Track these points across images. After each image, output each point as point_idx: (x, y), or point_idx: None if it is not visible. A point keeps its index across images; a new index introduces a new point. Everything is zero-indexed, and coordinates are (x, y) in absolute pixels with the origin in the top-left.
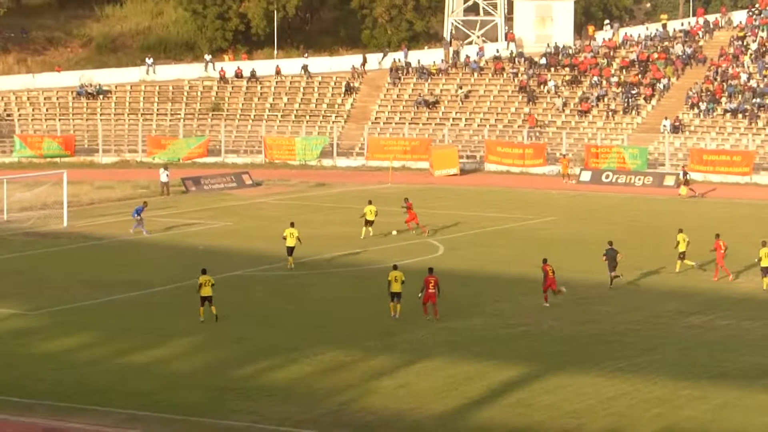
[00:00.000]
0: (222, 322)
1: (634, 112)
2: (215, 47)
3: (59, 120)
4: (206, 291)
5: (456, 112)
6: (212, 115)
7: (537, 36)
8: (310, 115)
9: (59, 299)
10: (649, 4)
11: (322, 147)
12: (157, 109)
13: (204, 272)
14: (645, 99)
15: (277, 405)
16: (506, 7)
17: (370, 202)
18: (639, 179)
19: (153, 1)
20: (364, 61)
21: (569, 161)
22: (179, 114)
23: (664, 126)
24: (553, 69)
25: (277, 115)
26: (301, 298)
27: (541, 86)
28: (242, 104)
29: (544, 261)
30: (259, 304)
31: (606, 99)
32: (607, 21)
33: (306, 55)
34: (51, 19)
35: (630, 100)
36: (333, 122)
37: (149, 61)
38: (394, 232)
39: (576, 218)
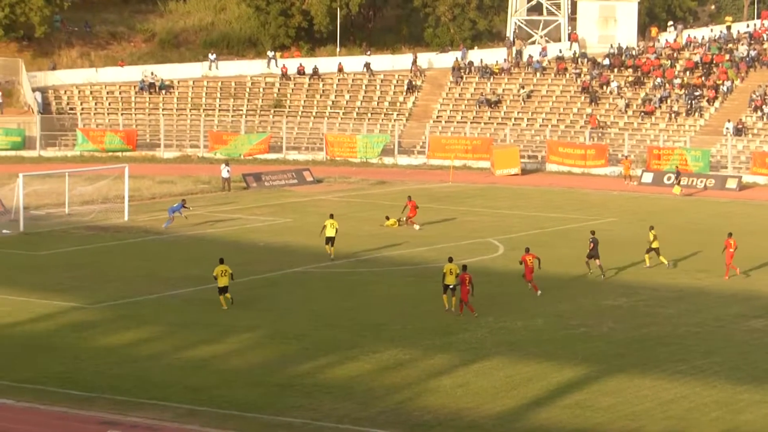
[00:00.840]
0: (281, 318)
1: (696, 114)
2: (278, 44)
3: (121, 114)
4: (223, 281)
5: (518, 112)
6: (274, 111)
7: (600, 36)
8: (371, 113)
9: (120, 293)
10: (713, 6)
11: (383, 145)
12: (219, 105)
13: (221, 261)
14: (708, 101)
15: (336, 402)
16: (570, 7)
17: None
18: (701, 181)
19: None
20: (415, 59)
21: (631, 162)
22: (241, 110)
23: (727, 128)
24: (616, 70)
25: (338, 113)
26: (360, 295)
27: (604, 87)
28: (304, 101)
29: (527, 250)
30: (319, 301)
31: (669, 101)
32: (670, 22)
33: (368, 52)
34: (114, 13)
35: (693, 102)
36: (395, 120)
37: (212, 57)
38: (417, 227)
39: (636, 220)
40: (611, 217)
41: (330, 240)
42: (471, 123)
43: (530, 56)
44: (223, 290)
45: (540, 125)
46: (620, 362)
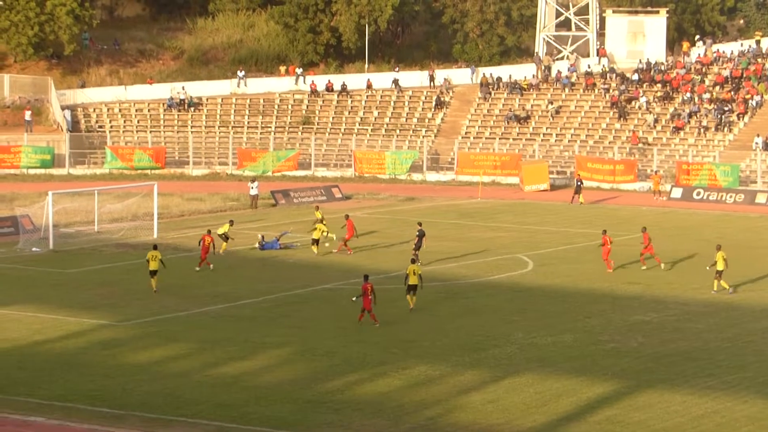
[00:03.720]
0: (311, 335)
1: (726, 129)
2: (306, 61)
3: (150, 132)
4: (153, 265)
5: (547, 128)
6: (303, 128)
7: (629, 51)
8: (400, 129)
9: (149, 310)
10: (742, 21)
11: (412, 161)
12: (248, 122)
13: (155, 248)
14: (738, 116)
15: (366, 418)
16: (598, 22)
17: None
18: (730, 197)
19: (245, 14)
20: (432, 76)
21: (660, 178)
22: (270, 127)
23: (756, 143)
24: (645, 85)
25: (367, 129)
26: (389, 311)
27: (633, 102)
28: (333, 118)
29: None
30: (349, 317)
31: (698, 115)
32: (698, 36)
33: (397, 69)
34: (143, 31)
35: (722, 116)
36: (423, 136)
37: (240, 74)
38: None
39: (666, 235)
40: (640, 233)
41: (315, 242)
42: (500, 139)
43: (559, 72)
44: (153, 273)
45: (569, 141)
46: (650, 377)
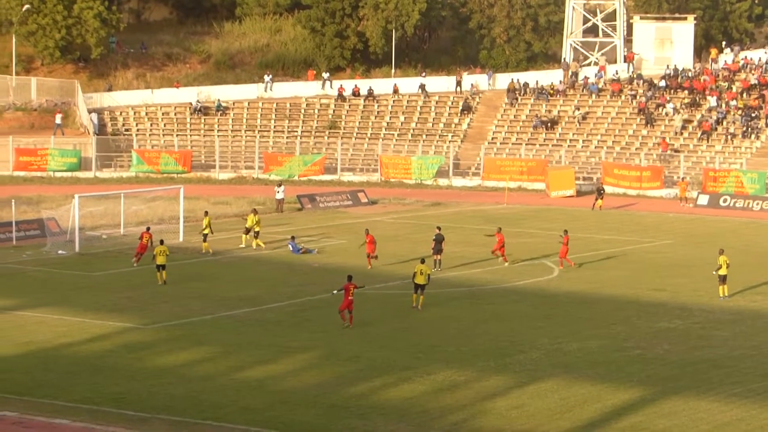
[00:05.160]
0: (336, 339)
1: (753, 135)
2: (333, 65)
3: (177, 135)
4: (161, 260)
5: (573, 134)
6: (329, 132)
7: (656, 58)
8: (426, 134)
9: (175, 314)
10: None
11: (438, 166)
12: (274, 126)
13: (162, 243)
14: (765, 123)
15: (391, 424)
16: (625, 29)
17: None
18: (757, 204)
19: (271, 18)
20: (459, 83)
21: (687, 184)
22: (296, 131)
23: None
24: (672, 91)
25: (393, 134)
26: (414, 316)
27: (660, 108)
28: (359, 122)
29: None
30: (374, 322)
31: (725, 122)
32: (725, 43)
33: (423, 74)
34: (170, 35)
35: (749, 123)
36: (449, 142)
37: (267, 78)
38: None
39: (692, 242)
40: (666, 240)
41: (248, 230)
42: (526, 144)
43: (586, 78)
44: (160, 267)
45: (595, 147)
46: (675, 384)
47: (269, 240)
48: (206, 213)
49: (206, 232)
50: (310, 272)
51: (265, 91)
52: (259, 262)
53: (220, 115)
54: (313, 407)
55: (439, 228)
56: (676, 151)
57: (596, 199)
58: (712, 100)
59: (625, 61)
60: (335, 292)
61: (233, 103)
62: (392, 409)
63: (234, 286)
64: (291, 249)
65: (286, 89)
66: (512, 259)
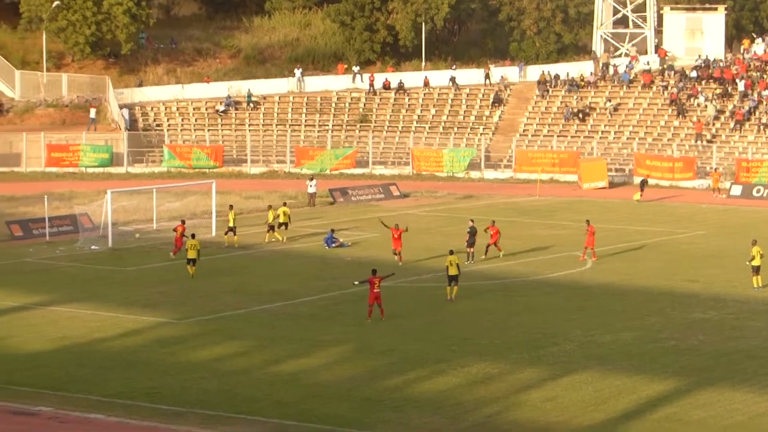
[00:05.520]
0: (369, 332)
1: None
2: (363, 59)
3: (208, 130)
4: (191, 254)
5: (605, 125)
6: (360, 126)
7: (687, 49)
8: (457, 127)
9: (208, 308)
10: None
11: (469, 159)
12: (306, 120)
13: (193, 237)
14: None
15: (425, 416)
16: (656, 19)
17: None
18: None
19: (301, 12)
20: (488, 75)
21: (720, 175)
22: (327, 125)
23: None
24: (703, 82)
25: (424, 127)
26: (447, 309)
27: (692, 99)
28: (390, 116)
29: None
30: (407, 315)
31: (757, 113)
32: (754, 33)
33: (454, 66)
34: (200, 30)
35: None
36: (481, 134)
37: (298, 73)
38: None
39: (725, 233)
40: (700, 230)
41: (272, 227)
42: (558, 136)
43: (614, 66)
44: (191, 261)
45: (627, 138)
46: (710, 375)
47: (301, 234)
48: (231, 207)
49: (232, 225)
50: (343, 266)
51: (297, 87)
52: (291, 256)
53: (251, 110)
54: (346, 400)
55: (472, 221)
56: (709, 141)
57: (640, 190)
58: (743, 90)
59: (655, 52)
60: (356, 282)
61: (264, 98)
62: (426, 402)
63: (266, 280)
64: (325, 243)
65: (317, 83)
66: (546, 252)
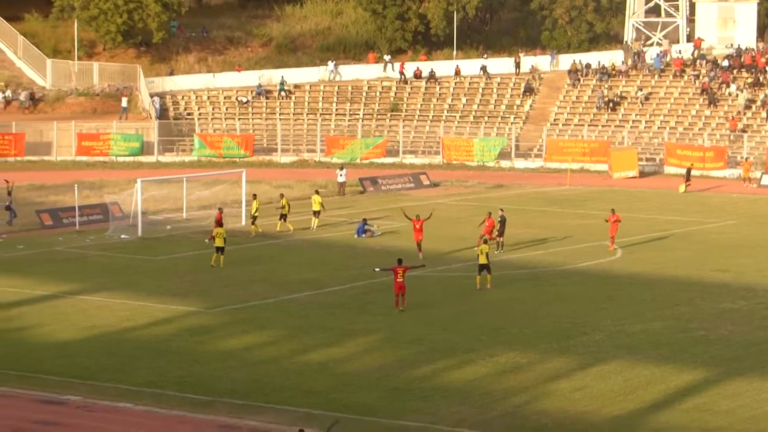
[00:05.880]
0: (398, 322)
1: None
2: (394, 48)
3: (238, 119)
4: (219, 242)
5: (636, 114)
6: (391, 115)
7: (719, 38)
8: (488, 116)
9: (237, 297)
10: None
11: (500, 148)
12: (336, 109)
13: (221, 225)
14: None
15: (453, 406)
16: (688, 8)
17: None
18: None
19: (333, 1)
20: (518, 62)
21: (751, 164)
22: (358, 114)
23: None
24: (735, 71)
25: (455, 116)
26: (477, 299)
27: (723, 88)
28: (421, 105)
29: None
30: (436, 304)
31: None
32: None
33: (485, 55)
34: (232, 18)
35: None
36: (512, 123)
37: (331, 65)
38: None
39: (756, 222)
40: (730, 220)
41: (315, 213)
42: (588, 126)
43: (643, 55)
44: (219, 249)
45: (658, 127)
46: (739, 365)
47: (332, 222)
48: (254, 196)
49: (256, 214)
50: (372, 255)
51: (330, 77)
52: (320, 245)
53: (283, 99)
54: (375, 390)
55: (502, 209)
56: (742, 131)
57: (686, 181)
58: None
59: (687, 41)
60: (378, 269)
61: (295, 87)
62: (455, 392)
63: (295, 269)
64: (356, 232)
65: (348, 72)
66: (576, 242)
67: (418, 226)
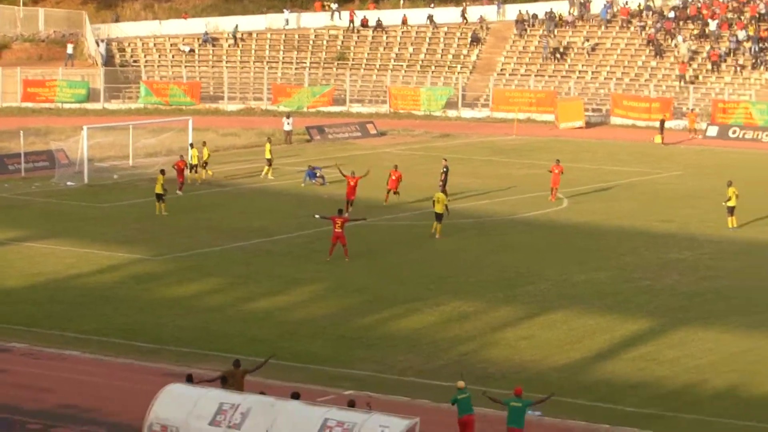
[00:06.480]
0: (345, 271)
1: (763, 67)
2: None
3: (185, 67)
4: (158, 189)
5: (582, 65)
6: (338, 64)
7: None
8: (435, 66)
9: (183, 245)
10: None
11: (447, 98)
12: (283, 58)
13: (162, 173)
14: None
15: (400, 354)
16: None
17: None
18: (767, 135)
19: None
20: (464, 11)
21: (696, 116)
22: (305, 63)
23: None
24: (681, 22)
25: (402, 65)
26: (423, 248)
27: (669, 40)
28: (368, 54)
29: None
30: (383, 253)
31: (735, 54)
32: None
33: (432, 5)
34: None
35: (759, 55)
36: (458, 73)
37: (287, 12)
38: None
39: (701, 173)
40: (676, 171)
41: (268, 161)
42: (535, 76)
43: (590, 2)
44: (159, 197)
45: (604, 78)
46: (684, 315)
47: (280, 173)
48: (204, 143)
49: (206, 160)
50: (320, 203)
51: (284, 25)
52: (268, 193)
53: (231, 47)
54: (321, 338)
55: (445, 159)
56: (686, 82)
57: (660, 133)
58: (716, 31)
59: None
60: (317, 216)
61: (241, 35)
62: (401, 340)
63: (243, 217)
64: (307, 177)
65: (295, 20)
66: (522, 191)
67: (352, 183)
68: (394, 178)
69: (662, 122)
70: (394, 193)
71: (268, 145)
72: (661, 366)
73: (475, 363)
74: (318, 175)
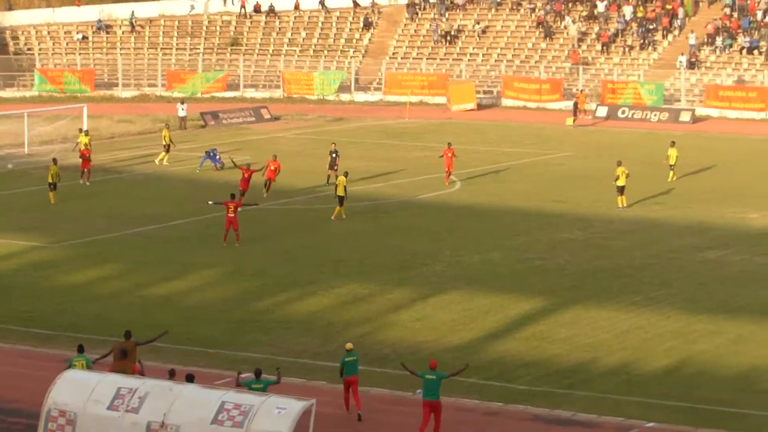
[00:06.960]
0: (240, 255)
1: (650, 47)
2: None
3: (79, 54)
4: (51, 179)
5: (473, 48)
6: (231, 49)
7: None
8: (328, 50)
9: (80, 232)
10: None
11: (339, 82)
12: (177, 44)
13: (54, 162)
14: (663, 34)
15: (295, 337)
16: None
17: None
18: (655, 115)
19: None
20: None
21: (586, 96)
22: (198, 48)
23: (680, 62)
24: (570, 4)
25: (295, 50)
26: (318, 231)
27: (558, 21)
28: (261, 39)
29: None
30: (278, 237)
31: (623, 34)
32: None
33: None
34: None
35: (647, 35)
36: (351, 57)
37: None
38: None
39: (592, 153)
40: (567, 151)
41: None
42: (427, 59)
43: None
44: (51, 186)
45: (495, 60)
46: (576, 294)
47: (175, 159)
48: (167, 126)
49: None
50: (214, 188)
51: (190, 11)
52: (163, 179)
53: (123, 33)
54: (219, 322)
55: (334, 143)
56: (582, 63)
57: (574, 115)
58: (605, 12)
59: None
60: (211, 202)
61: (135, 21)
62: (297, 323)
63: (139, 203)
64: (211, 161)
65: (188, 6)
66: (416, 174)
67: (246, 176)
68: (272, 168)
69: (575, 104)
70: (269, 183)
71: (165, 131)
72: (554, 344)
73: (371, 344)
74: (218, 157)
